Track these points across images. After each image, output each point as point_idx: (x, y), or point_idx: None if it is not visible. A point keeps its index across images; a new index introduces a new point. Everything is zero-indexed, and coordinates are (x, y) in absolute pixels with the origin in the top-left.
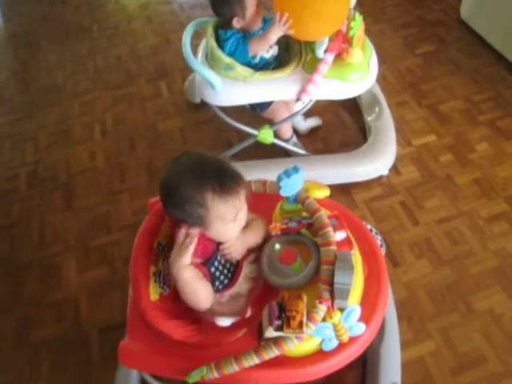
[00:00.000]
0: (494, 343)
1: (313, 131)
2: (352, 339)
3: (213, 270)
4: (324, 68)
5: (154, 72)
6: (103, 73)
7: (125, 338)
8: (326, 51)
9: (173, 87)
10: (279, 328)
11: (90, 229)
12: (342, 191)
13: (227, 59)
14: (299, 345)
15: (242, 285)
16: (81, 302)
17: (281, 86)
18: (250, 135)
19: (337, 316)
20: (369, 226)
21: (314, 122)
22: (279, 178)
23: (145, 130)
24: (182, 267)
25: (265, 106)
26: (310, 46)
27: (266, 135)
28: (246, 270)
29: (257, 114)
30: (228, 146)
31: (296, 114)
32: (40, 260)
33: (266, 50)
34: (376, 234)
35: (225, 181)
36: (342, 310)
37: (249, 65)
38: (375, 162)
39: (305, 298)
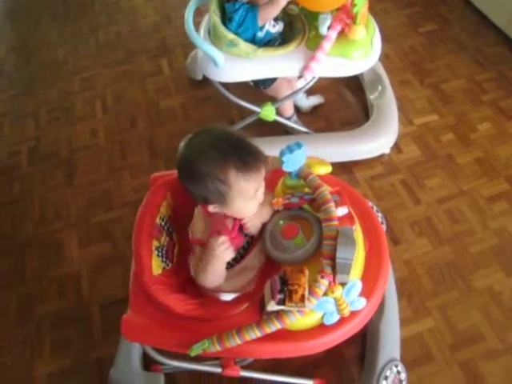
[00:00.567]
0: (492, 321)
1: (315, 109)
2: (353, 314)
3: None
4: (327, 45)
5: (155, 49)
6: (104, 49)
7: (127, 311)
8: (329, 28)
9: (174, 64)
10: (281, 302)
11: (91, 205)
12: (343, 169)
13: (230, 35)
14: (301, 319)
15: (252, 259)
16: (82, 277)
17: (283, 63)
18: (251, 112)
19: (338, 290)
20: (370, 204)
21: (316, 100)
22: (282, 153)
23: (146, 107)
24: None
25: (268, 82)
26: (314, 23)
27: (268, 112)
28: (258, 245)
29: (260, 91)
30: (230, 123)
31: (298, 91)
32: (41, 236)
33: (273, 23)
34: (377, 211)
35: (247, 158)
36: (343, 284)
37: (253, 40)
38: (377, 141)
39: (307, 272)
